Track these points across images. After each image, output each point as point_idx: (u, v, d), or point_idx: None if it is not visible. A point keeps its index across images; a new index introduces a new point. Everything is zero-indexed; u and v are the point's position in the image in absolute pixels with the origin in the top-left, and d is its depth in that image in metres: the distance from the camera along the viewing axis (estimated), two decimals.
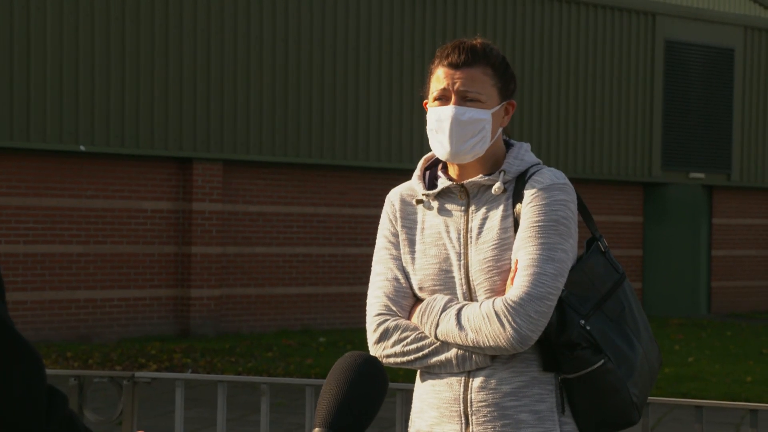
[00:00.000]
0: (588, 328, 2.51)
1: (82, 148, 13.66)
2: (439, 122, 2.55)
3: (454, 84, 2.54)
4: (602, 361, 2.51)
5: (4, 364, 1.22)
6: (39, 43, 13.39)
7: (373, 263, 2.66)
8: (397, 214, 2.64)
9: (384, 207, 2.67)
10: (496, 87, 2.57)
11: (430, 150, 2.65)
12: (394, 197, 2.66)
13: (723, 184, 20.21)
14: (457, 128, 2.53)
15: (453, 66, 2.55)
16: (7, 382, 1.22)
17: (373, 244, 2.73)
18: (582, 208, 2.63)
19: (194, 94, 14.55)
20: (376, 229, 2.73)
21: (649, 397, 3.46)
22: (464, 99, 2.54)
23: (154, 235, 14.48)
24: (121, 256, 14.25)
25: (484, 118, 2.54)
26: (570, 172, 17.83)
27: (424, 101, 2.65)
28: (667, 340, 14.88)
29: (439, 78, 2.56)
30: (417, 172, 2.65)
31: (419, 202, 2.62)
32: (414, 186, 2.65)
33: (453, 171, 2.63)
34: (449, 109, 2.54)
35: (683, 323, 17.66)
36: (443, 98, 2.56)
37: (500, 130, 2.61)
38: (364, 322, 2.66)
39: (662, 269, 19.44)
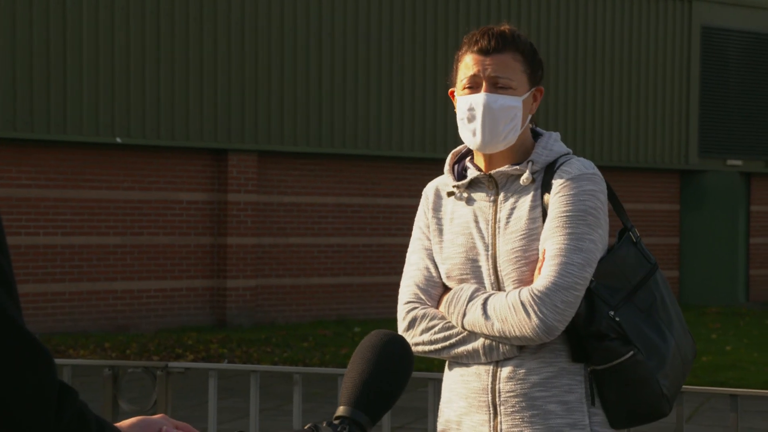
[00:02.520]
0: (617, 319, 2.49)
1: (118, 140, 13.76)
2: (471, 110, 2.52)
3: (485, 70, 2.51)
4: (631, 352, 2.48)
5: (15, 366, 1.21)
6: (75, 36, 13.48)
7: (408, 254, 2.67)
8: (430, 206, 2.65)
9: (420, 200, 2.68)
10: (526, 73, 2.54)
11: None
12: (429, 191, 2.67)
13: (761, 170, 20.00)
14: (489, 116, 2.50)
15: (483, 52, 2.51)
16: (17, 384, 1.21)
17: (408, 234, 2.74)
18: (613, 198, 2.60)
19: (229, 85, 14.60)
20: (410, 218, 2.77)
21: (685, 386, 3.43)
22: (495, 85, 2.51)
23: (190, 226, 14.56)
24: (158, 248, 14.34)
25: (515, 105, 2.51)
26: (606, 160, 17.73)
27: (450, 90, 2.63)
28: (704, 328, 14.77)
29: (468, 65, 2.53)
30: (446, 167, 2.65)
31: (450, 194, 2.62)
32: (446, 179, 2.65)
33: (481, 162, 2.62)
34: (481, 97, 2.50)
35: (721, 312, 17.52)
36: (474, 86, 2.53)
37: (529, 117, 2.58)
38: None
39: (699, 257, 19.29)
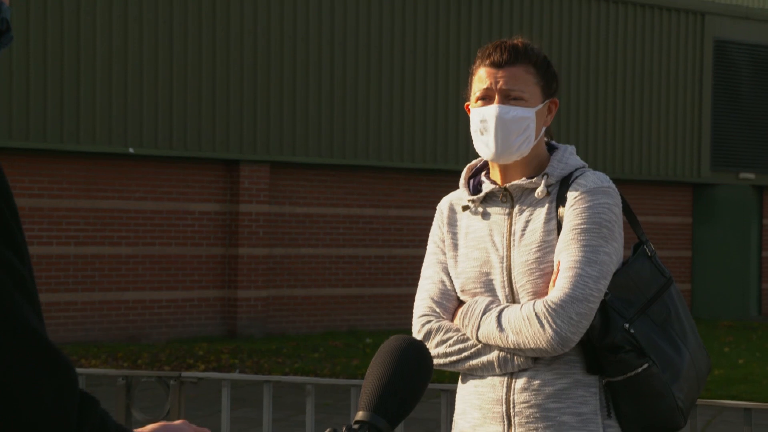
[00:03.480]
0: (632, 331, 2.50)
1: (131, 150, 13.80)
2: (484, 122, 2.55)
3: (497, 83, 2.54)
4: (646, 365, 2.49)
5: (37, 377, 1.21)
6: (88, 47, 13.54)
7: (423, 268, 2.69)
8: (445, 221, 2.66)
9: (435, 215, 2.70)
10: (539, 85, 2.57)
11: (475, 151, 2.66)
12: (443, 205, 2.69)
13: None
14: (501, 127, 2.53)
15: (495, 65, 2.55)
16: (39, 395, 1.21)
17: (419, 245, 2.78)
18: (627, 212, 2.62)
19: (241, 96, 14.64)
20: (422, 230, 2.80)
21: (698, 400, 3.43)
22: (508, 98, 2.54)
23: (201, 236, 14.59)
24: (170, 258, 14.37)
25: (528, 116, 2.54)
26: (618, 173, 17.71)
27: (466, 104, 2.66)
28: (716, 342, 14.72)
29: (482, 78, 2.57)
30: (462, 181, 2.67)
31: (465, 208, 2.64)
32: (460, 194, 2.67)
33: (496, 175, 2.64)
34: (493, 109, 2.54)
35: (733, 325, 17.47)
36: (486, 98, 2.56)
37: (543, 129, 2.60)
38: (411, 323, 2.70)
39: (712, 271, 19.24)
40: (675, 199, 19.08)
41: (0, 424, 1.20)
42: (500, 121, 2.52)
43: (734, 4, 19.47)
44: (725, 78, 19.26)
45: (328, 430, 1.61)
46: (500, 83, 2.54)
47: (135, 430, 1.45)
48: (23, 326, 1.22)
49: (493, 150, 2.55)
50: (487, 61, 2.56)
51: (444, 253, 2.65)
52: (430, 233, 2.69)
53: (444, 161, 16.08)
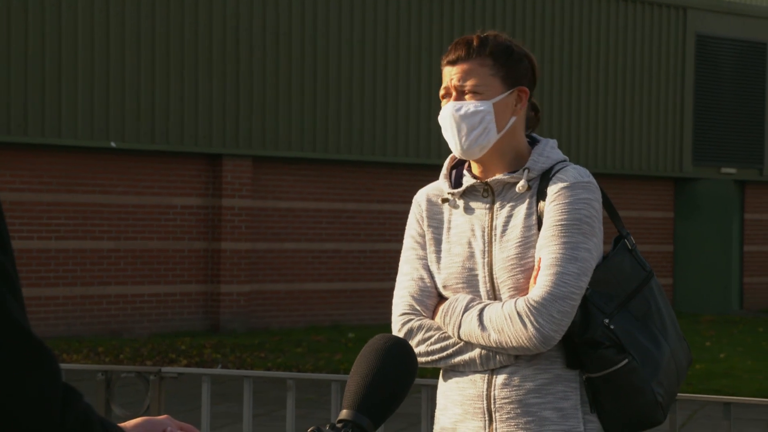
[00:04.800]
0: (612, 326, 2.50)
1: (112, 144, 13.74)
2: (443, 120, 2.58)
3: (451, 80, 2.57)
4: (626, 360, 2.49)
5: (20, 370, 1.22)
6: (70, 40, 13.47)
7: (400, 263, 2.67)
8: (424, 215, 2.65)
9: (411, 208, 2.68)
10: (498, 76, 2.56)
11: None
12: (420, 198, 2.67)
13: (755, 179, 20.04)
14: (456, 123, 2.55)
15: (451, 63, 2.58)
16: (23, 388, 1.21)
17: (402, 240, 2.74)
18: (608, 206, 2.61)
19: (224, 90, 14.60)
20: (404, 224, 2.75)
21: (679, 394, 3.43)
22: (462, 93, 2.56)
23: (184, 231, 14.55)
24: (152, 252, 14.32)
25: (482, 109, 2.54)
26: (600, 167, 17.75)
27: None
28: (698, 336, 14.78)
29: (444, 77, 2.61)
30: (443, 171, 2.66)
31: (445, 201, 2.62)
32: (440, 185, 2.66)
33: (477, 169, 2.63)
34: (449, 106, 2.57)
35: (715, 320, 17.54)
36: (447, 96, 2.60)
37: (512, 120, 2.58)
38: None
39: (693, 265, 19.31)
40: (657, 193, 19.13)
41: None
42: (454, 117, 2.55)
43: None
44: (707, 73, 19.32)
45: (312, 428, 1.60)
46: (453, 80, 2.57)
47: (119, 424, 1.45)
48: (6, 318, 1.22)
49: (456, 147, 2.57)
50: (446, 60, 2.59)
51: (423, 248, 2.63)
52: (407, 227, 2.67)
53: (426, 156, 16.08)
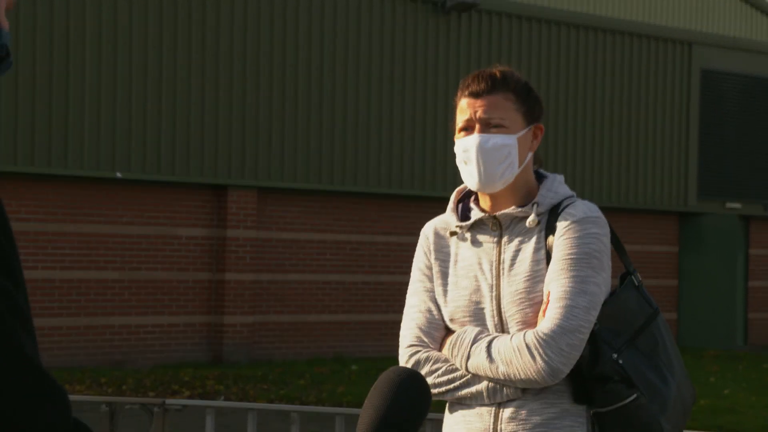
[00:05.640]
0: (621, 362, 2.50)
1: (118, 174, 13.78)
2: (466, 152, 2.57)
3: (476, 112, 2.57)
4: (635, 395, 2.49)
5: (31, 406, 1.22)
6: (77, 70, 13.54)
7: (407, 296, 2.67)
8: (431, 247, 2.65)
9: (419, 240, 2.68)
10: (520, 111, 2.58)
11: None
12: (428, 231, 2.67)
13: (760, 214, 20.03)
14: (483, 156, 2.54)
15: (474, 95, 2.58)
16: (34, 423, 1.22)
17: (406, 272, 2.75)
18: (615, 242, 2.62)
19: (230, 121, 14.65)
20: (409, 256, 2.75)
21: (685, 431, 3.42)
22: (488, 126, 2.56)
23: (188, 261, 14.55)
24: (156, 283, 14.31)
25: (509, 143, 2.55)
26: (605, 201, 17.75)
27: (455, 137, 2.67)
28: (702, 372, 14.71)
29: (463, 109, 2.59)
30: (450, 205, 2.67)
31: (453, 234, 2.63)
32: (447, 218, 2.66)
33: (485, 203, 2.64)
34: (473, 138, 2.56)
35: (719, 355, 17.48)
36: (468, 128, 2.59)
37: (529, 155, 2.61)
38: (397, 350, 2.67)
39: (698, 300, 19.26)
40: (661, 227, 19.12)
41: None
42: (481, 149, 2.54)
43: (721, 34, 19.60)
44: (712, 107, 19.36)
45: None
46: (479, 112, 2.56)
47: None
48: (19, 354, 1.23)
49: (476, 179, 2.56)
50: (467, 92, 2.59)
51: (430, 281, 2.63)
52: (414, 260, 2.67)
53: (432, 188, 16.10)
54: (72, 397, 4.39)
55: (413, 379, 1.66)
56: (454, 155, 2.65)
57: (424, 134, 16.12)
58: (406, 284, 2.72)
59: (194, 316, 14.60)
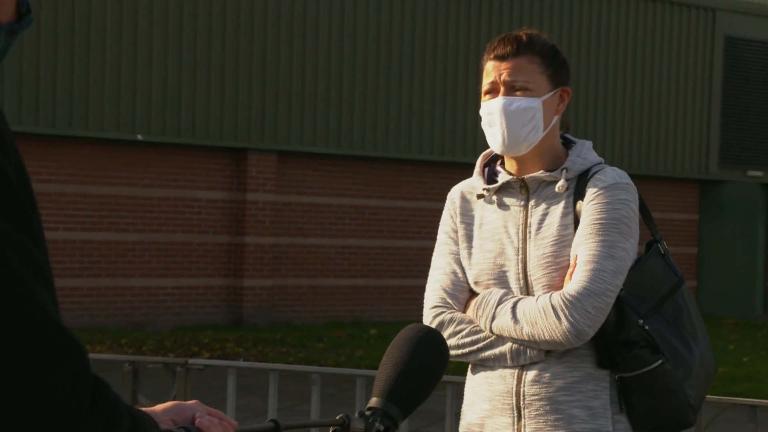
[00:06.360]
0: (647, 327, 2.51)
1: (139, 137, 13.80)
2: (490, 115, 2.56)
3: (500, 75, 2.56)
4: (660, 361, 2.50)
5: (50, 361, 1.23)
6: (98, 33, 13.54)
7: (433, 258, 2.67)
8: (457, 211, 2.65)
9: (446, 204, 2.68)
10: (545, 74, 2.57)
11: (483, 143, 2.65)
12: (454, 194, 2.67)
13: None
14: (507, 119, 2.53)
15: (499, 58, 2.57)
16: (52, 379, 1.22)
17: (425, 237, 2.77)
18: (643, 209, 2.62)
19: (249, 85, 14.63)
20: (429, 222, 2.78)
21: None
22: (512, 89, 2.55)
23: (208, 224, 14.60)
24: (176, 245, 14.38)
25: (533, 106, 2.54)
26: (626, 168, 17.48)
27: (481, 99, 2.66)
28: (721, 340, 14.71)
29: (488, 72, 2.59)
30: (477, 168, 2.66)
31: (480, 197, 2.63)
32: (474, 182, 2.66)
33: (511, 166, 2.63)
34: (498, 101, 2.55)
35: (738, 323, 17.45)
36: (493, 91, 2.58)
37: (555, 119, 2.60)
38: (415, 314, 2.69)
39: (717, 268, 19.21)
40: (682, 195, 19.05)
41: (14, 407, 1.20)
42: (504, 112, 2.53)
43: (745, 1, 19.41)
44: (735, 75, 19.20)
45: (341, 416, 1.61)
46: (504, 75, 2.55)
47: (149, 408, 1.45)
48: (37, 311, 1.23)
49: (500, 142, 2.55)
50: (492, 55, 2.58)
51: (456, 244, 2.63)
52: (441, 222, 2.68)
53: (452, 154, 16.06)
54: (95, 356, 4.43)
55: (431, 335, 1.66)
56: (473, 122, 2.65)
57: (445, 99, 16.06)
58: (425, 249, 2.74)
59: (214, 278, 14.67)
